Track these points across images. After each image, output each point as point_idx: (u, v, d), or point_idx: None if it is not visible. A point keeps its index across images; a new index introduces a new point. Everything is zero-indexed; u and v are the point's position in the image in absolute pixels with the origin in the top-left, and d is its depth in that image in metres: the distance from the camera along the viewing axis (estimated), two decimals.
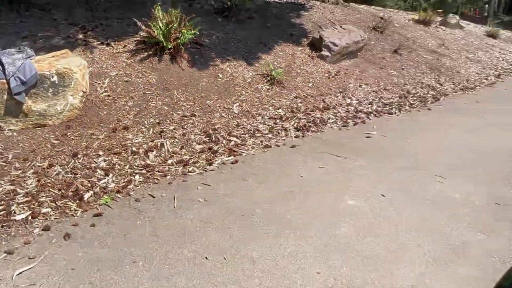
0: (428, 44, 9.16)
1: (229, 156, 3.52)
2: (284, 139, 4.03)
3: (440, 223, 2.45)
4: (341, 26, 7.04)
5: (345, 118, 4.82)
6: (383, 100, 5.69)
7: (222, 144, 3.71)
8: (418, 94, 6.24)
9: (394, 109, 5.34)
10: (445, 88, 6.90)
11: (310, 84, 5.64)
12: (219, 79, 4.96)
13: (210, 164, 3.33)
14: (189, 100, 4.37)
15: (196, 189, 2.88)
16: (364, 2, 11.75)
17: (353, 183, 3.03)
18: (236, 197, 2.78)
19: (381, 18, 9.07)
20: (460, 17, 13.27)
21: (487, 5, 23.49)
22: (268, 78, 5.28)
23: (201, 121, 4.07)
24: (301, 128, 4.29)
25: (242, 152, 3.62)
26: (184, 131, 3.81)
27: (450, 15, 12.47)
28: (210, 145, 3.65)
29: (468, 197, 2.81)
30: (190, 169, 3.22)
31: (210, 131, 3.90)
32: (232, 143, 3.77)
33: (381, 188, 2.95)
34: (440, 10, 15.44)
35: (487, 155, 3.62)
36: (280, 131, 4.19)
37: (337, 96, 5.51)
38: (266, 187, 2.94)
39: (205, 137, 3.79)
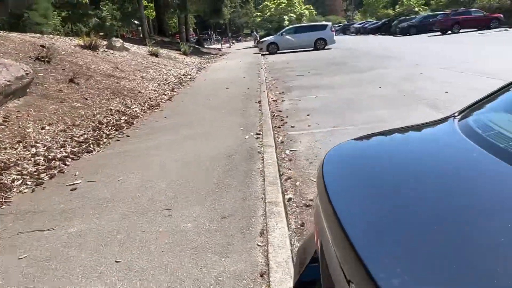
0: (103, 69, 9.03)
1: None
2: None
3: (188, 267, 2.25)
4: None
5: (36, 173, 3.86)
6: (76, 139, 5.02)
7: None
8: (111, 123, 5.96)
9: (92, 146, 4.81)
10: (134, 110, 6.98)
11: None
12: None
13: None
14: None
15: None
16: (14, 30, 10.18)
17: (76, 264, 2.36)
18: None
19: (43, 46, 8.09)
20: (122, 39, 14.03)
21: (140, 28, 26.26)
22: None
23: None
24: None
25: None
26: None
27: (114, 38, 12.92)
28: None
29: (197, 222, 2.78)
30: None
31: None
32: None
33: (110, 253, 2.44)
34: (102, 34, 15.76)
35: (194, 168, 3.80)
36: None
37: (16, 149, 4.36)
38: None
39: None
